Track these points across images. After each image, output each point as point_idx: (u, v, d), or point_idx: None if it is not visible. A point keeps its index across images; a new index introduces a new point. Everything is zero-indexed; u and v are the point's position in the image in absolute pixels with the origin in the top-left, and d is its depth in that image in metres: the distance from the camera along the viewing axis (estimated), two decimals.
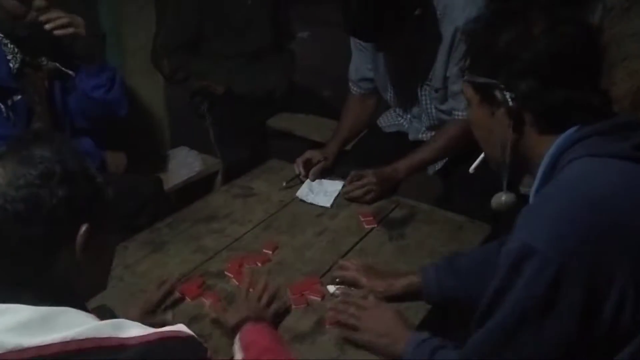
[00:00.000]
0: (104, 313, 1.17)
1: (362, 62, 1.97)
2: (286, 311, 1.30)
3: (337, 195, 1.78)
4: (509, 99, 0.96)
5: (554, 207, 0.89)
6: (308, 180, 1.83)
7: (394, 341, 1.15)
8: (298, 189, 1.80)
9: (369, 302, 1.25)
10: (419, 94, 1.90)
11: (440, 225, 1.66)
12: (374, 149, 2.00)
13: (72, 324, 0.73)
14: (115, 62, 2.53)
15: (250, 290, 1.27)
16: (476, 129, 1.08)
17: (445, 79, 1.80)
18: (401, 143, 1.99)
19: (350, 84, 2.05)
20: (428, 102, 1.90)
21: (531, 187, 1.02)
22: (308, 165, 1.86)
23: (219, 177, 2.32)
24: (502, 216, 1.12)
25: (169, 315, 1.24)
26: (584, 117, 0.94)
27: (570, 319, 0.85)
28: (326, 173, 1.87)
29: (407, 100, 1.96)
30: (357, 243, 1.58)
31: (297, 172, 1.85)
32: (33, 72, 1.70)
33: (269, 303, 1.25)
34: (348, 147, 2.07)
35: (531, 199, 1.00)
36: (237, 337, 1.13)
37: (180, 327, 0.77)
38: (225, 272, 1.43)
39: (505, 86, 0.96)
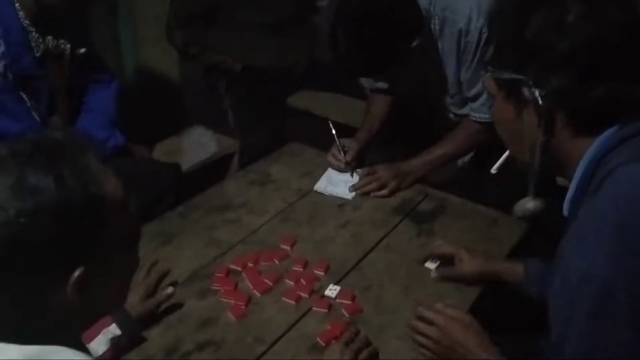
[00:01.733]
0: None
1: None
2: None
3: None
4: (539, 97, 0.82)
5: (609, 225, 0.77)
6: (326, 172, 1.71)
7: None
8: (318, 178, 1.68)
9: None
10: (435, 103, 1.79)
11: (472, 219, 1.53)
12: (401, 136, 1.87)
13: None
14: (126, 33, 2.42)
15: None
16: (501, 128, 0.96)
17: (459, 84, 1.67)
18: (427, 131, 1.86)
19: (364, 88, 1.91)
20: (444, 109, 1.78)
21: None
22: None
23: (236, 160, 2.20)
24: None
25: (169, 290, 1.21)
26: (626, 114, 0.82)
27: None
28: (360, 161, 1.74)
29: (423, 109, 1.85)
30: (383, 238, 1.46)
31: (336, 162, 1.71)
32: (55, 61, 1.68)
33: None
34: None
35: (566, 208, 0.89)
36: None
37: None
38: (231, 265, 1.33)
39: (534, 82, 0.82)
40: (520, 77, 0.83)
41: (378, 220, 1.52)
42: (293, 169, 1.74)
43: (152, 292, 1.20)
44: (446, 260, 1.33)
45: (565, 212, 0.90)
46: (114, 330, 1.09)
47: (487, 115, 1.64)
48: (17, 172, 0.63)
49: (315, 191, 1.64)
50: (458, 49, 1.58)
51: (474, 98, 1.65)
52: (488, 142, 1.69)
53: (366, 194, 1.62)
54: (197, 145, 2.16)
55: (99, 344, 1.07)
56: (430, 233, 1.48)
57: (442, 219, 1.53)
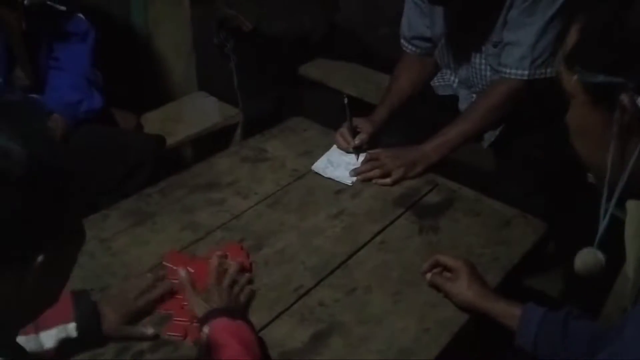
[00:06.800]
0: (81, 300, 0.99)
1: (417, 18, 1.65)
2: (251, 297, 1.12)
3: None
4: None
5: None
6: (328, 152, 1.54)
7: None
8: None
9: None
10: (474, 53, 1.59)
11: (483, 218, 1.36)
12: (422, 116, 1.67)
13: None
14: None
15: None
16: (581, 137, 0.79)
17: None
18: (454, 110, 1.67)
19: (402, 41, 1.73)
20: (483, 62, 1.59)
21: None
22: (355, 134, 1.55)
23: (239, 131, 2.05)
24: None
25: (149, 331, 1.03)
26: None
27: None
28: (372, 145, 1.56)
29: (459, 61, 1.64)
30: (378, 233, 1.30)
31: (345, 144, 1.53)
32: (8, 12, 1.49)
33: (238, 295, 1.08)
34: None
35: None
36: (208, 329, 0.95)
37: None
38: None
39: (636, 88, 0.68)
40: (618, 80, 0.70)
41: (376, 212, 1.37)
42: (292, 147, 1.59)
43: (135, 316, 1.04)
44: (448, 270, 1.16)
45: None
46: (71, 331, 0.96)
47: (526, 72, 1.46)
48: None
49: (313, 171, 1.49)
50: None
51: (513, 44, 1.46)
52: (513, 108, 1.52)
53: (368, 180, 1.46)
54: (199, 113, 2.01)
55: (49, 337, 0.95)
56: (433, 231, 1.32)
57: (449, 215, 1.36)
